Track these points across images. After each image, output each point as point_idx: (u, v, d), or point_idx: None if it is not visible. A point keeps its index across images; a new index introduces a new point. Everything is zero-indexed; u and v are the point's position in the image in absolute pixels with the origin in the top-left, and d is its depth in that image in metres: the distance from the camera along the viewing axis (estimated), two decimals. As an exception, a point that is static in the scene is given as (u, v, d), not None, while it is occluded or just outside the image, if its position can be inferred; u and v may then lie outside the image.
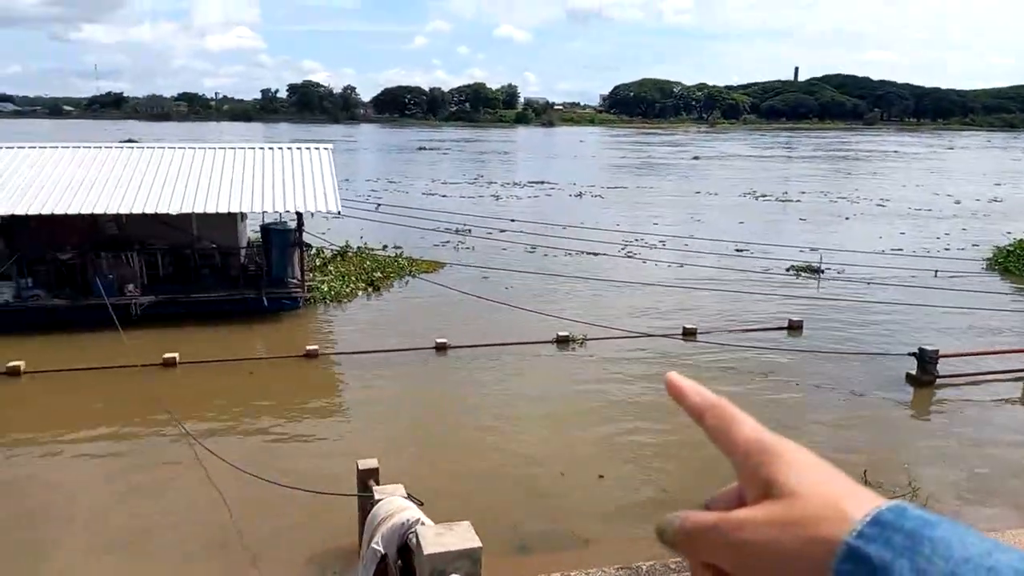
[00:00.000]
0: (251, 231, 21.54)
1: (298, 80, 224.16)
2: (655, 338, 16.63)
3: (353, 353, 15.43)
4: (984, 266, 24.61)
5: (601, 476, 10.31)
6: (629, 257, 24.82)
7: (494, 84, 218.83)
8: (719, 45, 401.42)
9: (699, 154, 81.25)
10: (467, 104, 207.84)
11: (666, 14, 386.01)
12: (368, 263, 22.69)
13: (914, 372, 13.99)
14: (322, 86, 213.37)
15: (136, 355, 14.19)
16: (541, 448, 11.33)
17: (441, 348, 15.68)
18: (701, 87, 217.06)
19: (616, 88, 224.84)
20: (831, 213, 36.63)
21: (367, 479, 8.25)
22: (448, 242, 26.73)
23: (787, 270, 23.32)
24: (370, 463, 8.43)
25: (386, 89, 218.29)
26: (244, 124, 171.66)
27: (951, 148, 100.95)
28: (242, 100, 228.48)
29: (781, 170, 62.76)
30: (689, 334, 16.83)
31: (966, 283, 21.94)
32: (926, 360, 13.84)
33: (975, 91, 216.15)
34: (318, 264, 21.87)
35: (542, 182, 50.19)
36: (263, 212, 18.03)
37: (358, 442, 11.32)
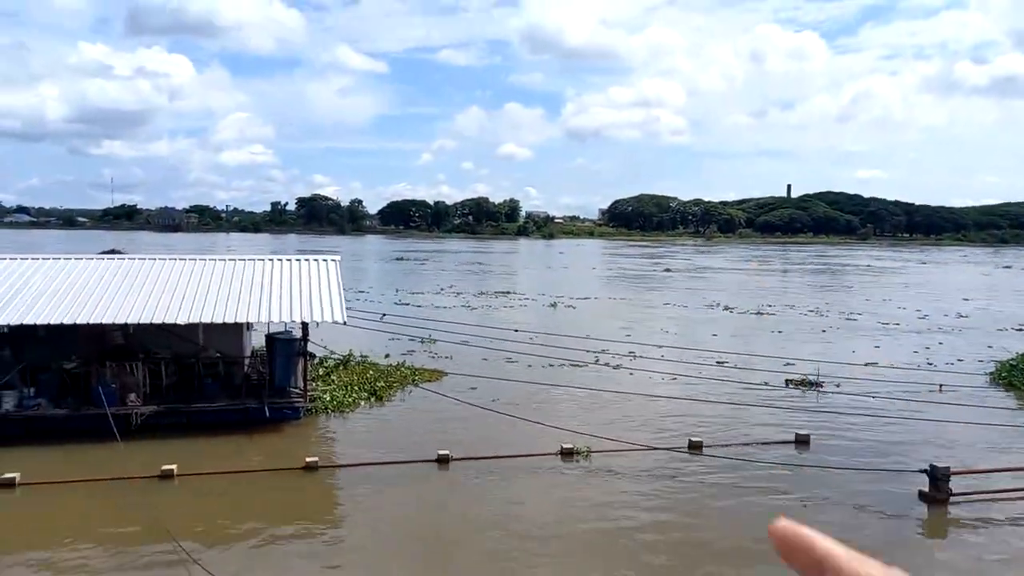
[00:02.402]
0: (255, 340, 21.67)
1: (307, 193, 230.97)
2: (661, 451, 16.39)
3: (353, 465, 15.18)
4: (987, 380, 24.52)
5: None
6: (615, 368, 24.90)
7: (497, 198, 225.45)
8: (714, 162, 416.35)
9: (672, 267, 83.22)
10: (470, 217, 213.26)
11: (663, 135, 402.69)
12: (371, 372, 22.68)
13: (926, 489, 13.70)
14: (330, 199, 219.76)
15: (135, 466, 13.97)
16: (541, 568, 10.96)
17: (443, 460, 15.43)
18: (697, 202, 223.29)
19: (615, 203, 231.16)
20: (804, 326, 36.85)
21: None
22: (414, 351, 26.85)
23: (786, 383, 23.24)
24: (371, 582, 8.19)
25: (392, 202, 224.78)
26: (252, 235, 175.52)
27: (924, 263, 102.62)
28: (252, 212, 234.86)
29: (755, 283, 63.64)
30: (695, 447, 16.60)
31: (970, 397, 21.82)
32: (938, 477, 13.58)
33: (965, 208, 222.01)
34: (320, 373, 21.85)
35: (510, 292, 51.37)
36: (269, 322, 18.21)
37: (357, 560, 10.96)
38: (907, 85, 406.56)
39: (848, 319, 39.80)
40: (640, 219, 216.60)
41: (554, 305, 44.34)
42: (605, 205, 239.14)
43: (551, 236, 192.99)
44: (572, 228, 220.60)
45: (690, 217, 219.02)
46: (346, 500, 13.93)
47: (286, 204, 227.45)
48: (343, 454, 16.13)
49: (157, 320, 16.91)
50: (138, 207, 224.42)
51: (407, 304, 42.07)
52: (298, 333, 18.69)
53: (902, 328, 36.62)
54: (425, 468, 15.18)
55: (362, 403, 20.07)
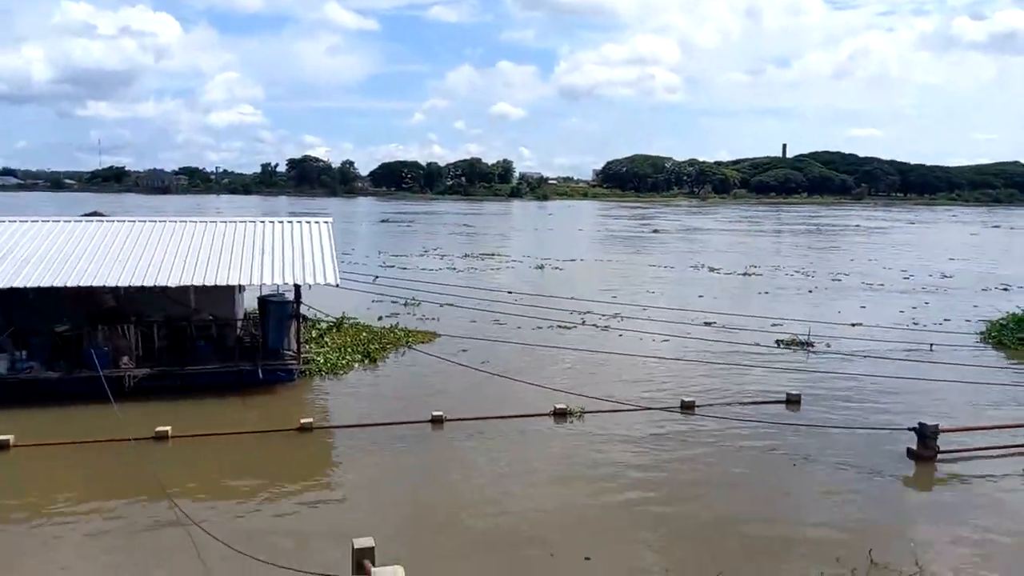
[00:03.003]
0: (248, 303, 21.61)
1: (298, 154, 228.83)
2: (654, 411, 16.52)
3: (348, 426, 15.25)
4: (978, 339, 24.71)
5: (588, 558, 10.05)
6: (604, 330, 25.05)
7: (490, 159, 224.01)
8: (709, 121, 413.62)
9: (661, 228, 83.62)
10: (463, 178, 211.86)
11: (657, 93, 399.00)
12: (364, 334, 22.69)
13: (915, 447, 13.87)
14: (321, 160, 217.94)
15: (129, 428, 14.00)
16: (535, 528, 11.08)
17: (437, 421, 15.53)
18: (692, 162, 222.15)
19: (609, 163, 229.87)
20: (790, 287, 36.97)
21: (363, 559, 8.06)
22: (398, 313, 26.92)
23: (776, 343, 23.39)
24: (366, 542, 8.25)
25: (384, 163, 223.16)
26: (243, 197, 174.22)
27: (912, 223, 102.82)
28: (242, 174, 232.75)
29: (743, 244, 63.76)
30: (687, 407, 16.73)
31: (960, 356, 22.01)
32: (926, 435, 13.74)
33: (960, 167, 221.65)
34: (314, 336, 21.85)
35: (495, 254, 51.37)
36: (261, 284, 18.12)
37: (353, 520, 11.07)
38: (904, 41, 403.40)
39: (834, 279, 39.98)
40: (634, 180, 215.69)
41: (541, 267, 44.41)
42: (599, 166, 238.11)
43: (545, 197, 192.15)
44: (566, 189, 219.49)
45: (685, 178, 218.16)
46: (342, 461, 14.02)
47: (276, 166, 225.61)
48: (338, 415, 16.19)
49: (148, 282, 16.79)
50: (126, 169, 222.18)
51: (391, 267, 41.94)
52: (291, 295, 18.61)
53: (887, 288, 36.81)
54: (420, 429, 15.27)
55: (356, 365, 20.11)
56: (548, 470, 13.41)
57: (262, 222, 20.26)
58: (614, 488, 12.56)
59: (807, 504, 12.14)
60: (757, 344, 23.05)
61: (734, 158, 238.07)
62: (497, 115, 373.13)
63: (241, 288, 19.76)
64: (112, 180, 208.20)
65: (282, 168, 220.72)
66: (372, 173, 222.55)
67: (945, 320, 27.94)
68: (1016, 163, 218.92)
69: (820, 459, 13.92)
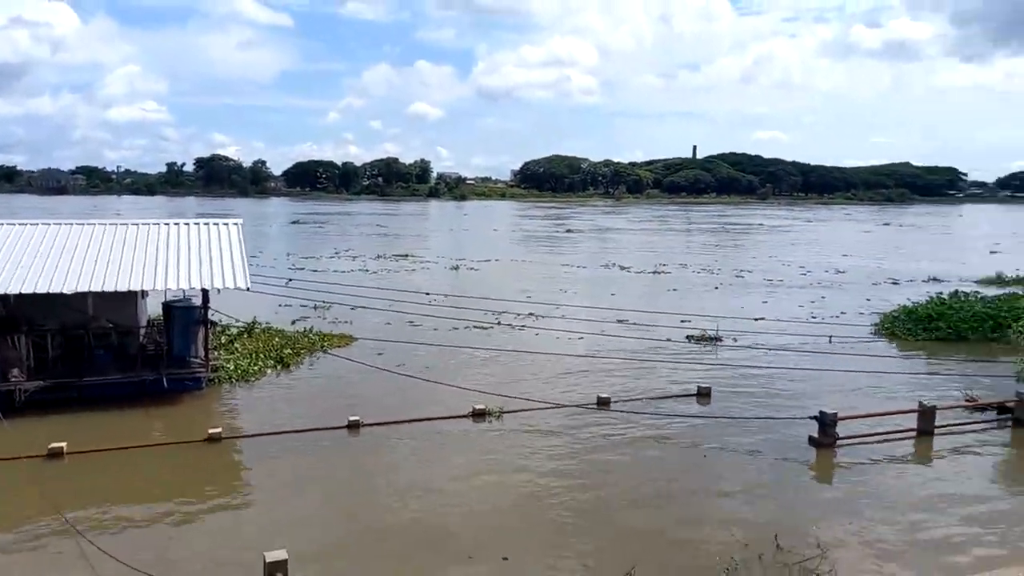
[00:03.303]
0: (152, 309, 20.67)
1: (206, 153, 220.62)
2: (571, 408, 16.73)
3: (260, 435, 14.79)
4: (872, 331, 26.15)
5: (505, 559, 10.09)
6: (520, 329, 25.30)
7: (408, 159, 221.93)
8: (624, 123, 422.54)
9: (575, 227, 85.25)
10: (380, 178, 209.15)
11: (574, 94, 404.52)
12: (277, 339, 22.07)
13: (816, 435, 14.54)
14: (231, 159, 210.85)
15: (19, 446, 13.15)
16: (455, 530, 11.05)
17: (354, 426, 15.26)
18: (607, 163, 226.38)
19: (526, 164, 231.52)
20: (697, 284, 38.30)
21: (275, 573, 7.83)
22: (307, 317, 26.45)
23: (687, 338, 24.12)
24: (278, 555, 8.03)
25: (298, 163, 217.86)
26: (147, 198, 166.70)
27: (810, 221, 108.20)
28: (146, 173, 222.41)
29: (652, 243, 65.57)
30: (603, 403, 17.02)
31: (858, 348, 23.25)
32: (826, 423, 14.44)
33: (856, 168, 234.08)
34: (223, 342, 21.10)
35: (409, 255, 51.09)
36: (166, 289, 17.35)
37: (266, 533, 10.74)
38: (806, 48, 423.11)
39: (738, 276, 41.57)
40: (552, 180, 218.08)
41: (456, 268, 44.36)
42: (517, 166, 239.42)
43: (463, 197, 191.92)
44: (484, 189, 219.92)
45: (600, 178, 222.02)
46: (253, 472, 13.56)
47: (183, 165, 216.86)
48: (249, 424, 15.68)
49: (41, 289, 15.81)
50: (18, 168, 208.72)
51: (301, 269, 40.83)
52: (198, 300, 17.90)
53: (786, 284, 38.54)
54: (336, 435, 14.97)
55: (268, 371, 19.54)
56: (467, 471, 13.37)
57: (167, 224, 19.40)
58: (532, 486, 12.65)
59: (717, 493, 12.55)
60: (669, 340, 23.70)
61: (648, 159, 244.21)
62: (415, 115, 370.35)
63: (144, 294, 18.87)
64: (2, 180, 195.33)
65: (189, 167, 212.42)
66: (286, 173, 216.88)
67: (841, 313, 29.44)
68: (907, 164, 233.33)
69: (729, 449, 14.42)
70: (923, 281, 39.21)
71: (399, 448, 14.41)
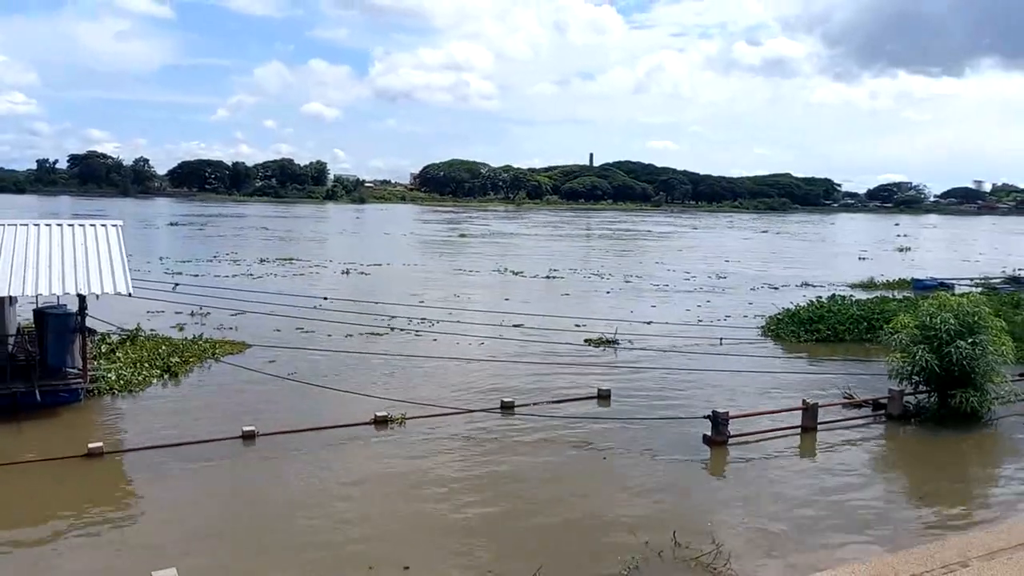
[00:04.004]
0: (23, 316, 19.14)
1: (81, 150, 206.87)
2: (475, 413, 16.69)
3: (146, 448, 13.93)
4: (759, 333, 27.51)
5: (407, 568, 9.93)
6: (417, 335, 25.13)
7: (303, 160, 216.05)
8: (523, 129, 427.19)
9: (469, 232, 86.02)
10: (274, 179, 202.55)
11: (473, 99, 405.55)
12: (163, 347, 20.92)
13: (709, 434, 15.12)
14: (109, 157, 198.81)
15: None
16: (355, 540, 10.78)
17: (248, 437, 14.63)
18: (507, 168, 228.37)
19: (426, 167, 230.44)
20: (589, 289, 39.24)
21: (164, 593, 7.37)
22: (184, 324, 25.31)
23: (585, 342, 24.60)
24: (167, 575, 7.56)
25: (184, 162, 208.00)
26: (15, 196, 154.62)
27: (695, 228, 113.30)
28: (14, 171, 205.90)
29: (545, 248, 66.69)
30: (507, 408, 17.07)
31: (746, 349, 24.38)
32: (719, 422, 15.04)
33: (742, 178, 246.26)
34: (103, 350, 19.79)
35: (294, 259, 49.97)
36: (37, 295, 16.09)
37: (154, 552, 10.11)
38: (693, 62, 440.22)
39: (627, 281, 42.78)
40: (452, 184, 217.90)
41: (347, 272, 43.57)
42: (417, 169, 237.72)
43: (362, 200, 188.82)
44: (383, 193, 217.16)
45: (500, 183, 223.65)
46: (139, 487, 12.75)
47: (56, 162, 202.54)
48: (134, 437, 14.74)
49: None
50: None
51: (178, 273, 38.59)
52: (74, 307, 16.71)
53: (673, 289, 39.93)
54: (229, 446, 14.30)
55: (154, 381, 18.47)
56: (368, 480, 13.08)
57: (37, 225, 17.99)
58: (435, 493, 12.51)
59: (617, 493, 12.81)
60: (568, 344, 24.08)
61: (546, 165, 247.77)
62: (310, 115, 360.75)
63: (12, 300, 17.44)
64: None
65: (63, 165, 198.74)
66: (171, 172, 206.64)
67: (726, 317, 30.78)
68: (787, 175, 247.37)
69: (628, 449, 14.77)
70: (797, 286, 41.52)
71: (297, 458, 13.93)
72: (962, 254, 72.42)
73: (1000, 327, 17.14)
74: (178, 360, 19.87)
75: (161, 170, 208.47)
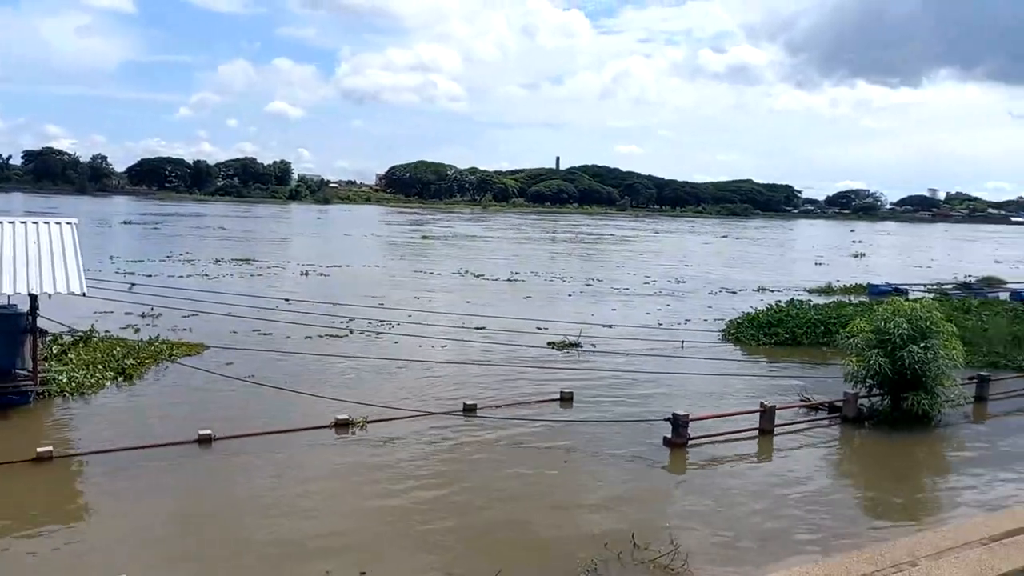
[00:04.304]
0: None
1: (36, 146, 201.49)
2: (437, 416, 16.62)
3: (99, 452, 13.59)
4: (720, 337, 27.88)
5: (363, 573, 9.82)
6: (378, 337, 24.95)
7: (266, 159, 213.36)
8: (491, 131, 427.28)
9: (431, 234, 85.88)
10: (236, 178, 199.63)
11: (440, 100, 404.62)
12: (118, 349, 20.45)
13: (670, 436, 15.27)
14: (66, 154, 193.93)
15: None
16: (312, 545, 10.64)
17: (205, 441, 14.37)
18: (473, 171, 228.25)
19: (392, 168, 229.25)
20: (551, 292, 39.32)
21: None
22: (134, 325, 24.70)
23: (548, 344, 24.68)
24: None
25: (143, 159, 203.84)
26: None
27: (657, 233, 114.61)
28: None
29: (508, 251, 66.78)
30: (469, 410, 17.04)
31: (707, 352, 24.69)
32: (679, 424, 15.20)
33: (705, 183, 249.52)
34: (55, 352, 19.28)
35: (251, 259, 49.35)
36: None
37: (105, 559, 9.88)
38: (659, 68, 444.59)
39: (588, 284, 42.95)
40: (418, 186, 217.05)
41: (306, 273, 43.07)
42: (383, 170, 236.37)
43: (326, 201, 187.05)
44: (349, 193, 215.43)
45: (467, 185, 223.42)
46: (91, 492, 12.45)
47: (9, 158, 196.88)
48: (86, 441, 14.37)
49: None
50: None
51: (130, 273, 37.52)
52: (24, 306, 16.25)
53: (633, 292, 40.21)
54: (185, 450, 14.03)
55: (108, 383, 18.04)
56: (328, 484, 12.95)
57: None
58: (396, 496, 12.44)
59: (578, 495, 12.87)
60: (531, 346, 24.13)
61: (513, 168, 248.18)
62: (274, 114, 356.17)
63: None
64: None
65: (17, 161, 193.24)
66: (130, 170, 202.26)
67: (686, 320, 31.09)
68: (749, 181, 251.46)
69: (589, 452, 14.85)
70: (754, 290, 42.19)
71: (255, 462, 13.72)
72: (915, 260, 74.33)
73: (951, 332, 17.59)
74: (133, 362, 19.44)
75: (120, 168, 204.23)
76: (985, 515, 11.86)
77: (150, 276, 36.72)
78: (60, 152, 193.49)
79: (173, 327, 24.30)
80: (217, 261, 47.54)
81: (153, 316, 25.90)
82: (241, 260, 48.76)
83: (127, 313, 25.80)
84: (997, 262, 72.94)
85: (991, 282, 47.42)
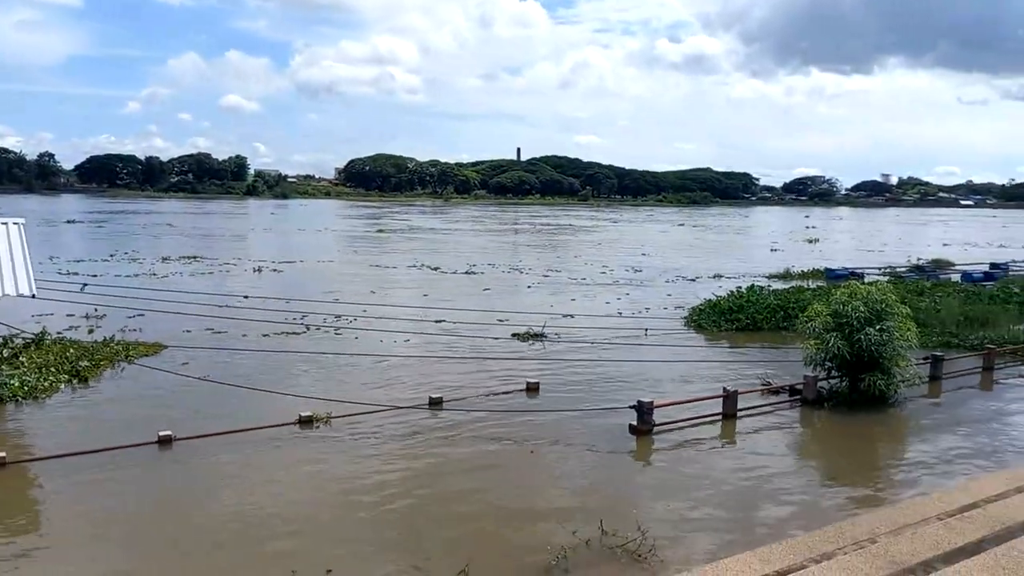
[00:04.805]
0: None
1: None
2: (403, 410, 16.52)
3: (53, 457, 13.22)
4: (682, 324, 28.18)
5: (329, 571, 9.71)
6: (337, 332, 24.72)
7: (221, 154, 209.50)
8: (450, 123, 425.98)
9: (388, 228, 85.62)
10: (191, 174, 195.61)
11: (398, 92, 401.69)
12: (72, 351, 19.91)
13: (635, 423, 15.40)
14: (11, 152, 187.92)
15: None
16: (277, 544, 10.50)
17: (165, 442, 14.07)
18: (434, 163, 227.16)
19: (351, 162, 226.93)
20: (509, 284, 39.33)
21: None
22: (77, 327, 24.08)
23: (512, 335, 24.68)
24: (76, 589, 7.19)
25: (93, 157, 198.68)
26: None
27: (615, 222, 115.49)
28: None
29: (466, 244, 66.75)
30: (435, 403, 16.96)
31: (671, 339, 24.96)
32: (644, 411, 15.33)
33: (665, 172, 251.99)
34: (5, 356, 18.68)
35: (200, 257, 48.59)
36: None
37: (63, 569, 9.60)
38: (617, 58, 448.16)
39: (545, 276, 43.00)
40: (378, 179, 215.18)
41: (258, 270, 42.45)
42: (342, 164, 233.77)
43: (284, 196, 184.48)
44: (307, 188, 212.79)
45: (428, 178, 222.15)
46: (46, 498, 12.10)
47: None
48: (40, 445, 13.98)
49: None
50: None
51: (74, 273, 36.64)
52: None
53: (591, 283, 40.30)
54: (145, 452, 13.72)
55: (63, 386, 17.56)
56: (291, 481, 12.78)
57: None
58: (362, 491, 12.33)
59: (546, 485, 12.91)
60: (495, 338, 24.12)
61: (474, 160, 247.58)
62: (228, 108, 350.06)
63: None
64: None
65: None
66: (79, 167, 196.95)
67: (646, 309, 31.28)
68: (708, 169, 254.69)
69: (556, 441, 14.90)
70: (709, 278, 42.73)
71: (217, 462, 13.48)
72: (867, 245, 76.06)
73: (906, 314, 18.04)
74: (88, 364, 18.95)
75: (69, 165, 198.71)
76: (941, 491, 12.19)
77: (95, 276, 35.68)
78: (5, 151, 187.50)
79: (122, 328, 23.64)
80: (164, 259, 46.57)
81: (98, 317, 25.23)
82: (189, 258, 47.81)
83: (68, 315, 25.05)
84: (945, 245, 75.07)
85: (940, 264, 48.80)
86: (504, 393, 18.07)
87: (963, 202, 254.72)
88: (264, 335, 23.56)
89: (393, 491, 12.38)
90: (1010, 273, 44.35)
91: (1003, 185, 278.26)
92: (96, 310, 25.34)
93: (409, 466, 13.52)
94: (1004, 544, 9.22)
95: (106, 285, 28.98)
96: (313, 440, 14.77)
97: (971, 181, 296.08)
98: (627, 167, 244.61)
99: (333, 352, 21.64)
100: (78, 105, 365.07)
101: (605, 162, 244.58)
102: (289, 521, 11.25)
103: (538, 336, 24.67)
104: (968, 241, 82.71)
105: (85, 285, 26.09)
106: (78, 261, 43.84)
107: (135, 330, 23.59)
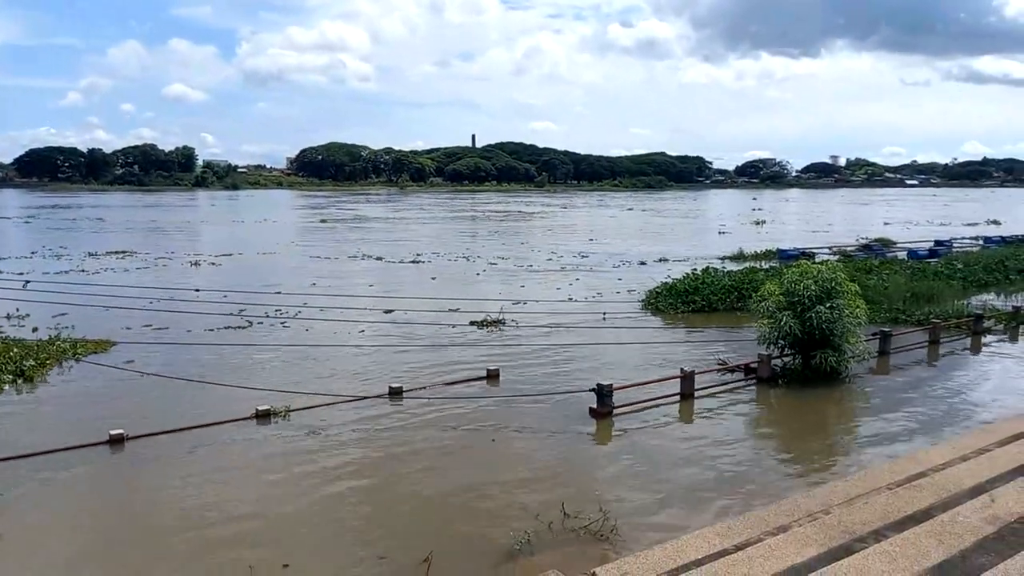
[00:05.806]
0: None
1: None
2: (363, 401, 16.37)
3: (-2, 461, 12.77)
4: (640, 307, 28.47)
5: (286, 565, 9.62)
6: (285, 325, 24.34)
7: (167, 145, 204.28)
8: (404, 111, 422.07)
9: (331, 217, 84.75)
10: (136, 166, 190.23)
11: (349, 80, 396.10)
12: (15, 350, 19.23)
13: (595, 406, 15.52)
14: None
15: None
16: (234, 541, 10.32)
17: (117, 441, 13.70)
18: (388, 151, 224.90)
19: (303, 151, 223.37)
20: (457, 272, 39.08)
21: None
22: (1, 328, 23.25)
23: (471, 323, 24.62)
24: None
25: (31, 149, 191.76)
26: None
27: (565, 208, 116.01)
28: None
29: (412, 232, 66.25)
30: (395, 393, 16.85)
31: (628, 323, 25.20)
32: (603, 394, 15.46)
33: (620, 157, 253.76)
34: (-56, 357, 17.97)
35: (131, 252, 47.42)
36: None
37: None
38: (570, 44, 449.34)
39: (491, 264, 42.81)
40: (331, 168, 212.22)
41: (195, 264, 41.61)
42: (293, 154, 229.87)
43: (235, 187, 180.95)
44: (259, 178, 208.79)
45: (382, 166, 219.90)
46: (-10, 503, 11.68)
47: None
48: (-18, 450, 13.47)
49: None
50: None
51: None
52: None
53: (538, 269, 40.25)
54: (94, 453, 13.34)
55: (6, 387, 16.97)
56: (250, 476, 12.57)
57: None
58: (322, 485, 12.19)
59: (508, 470, 12.93)
60: (453, 326, 24.03)
61: (429, 147, 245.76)
62: (173, 97, 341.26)
63: None
64: None
65: None
66: (17, 161, 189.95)
67: (597, 294, 31.39)
68: (663, 154, 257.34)
69: (518, 427, 14.94)
70: (656, 261, 43.14)
71: (171, 460, 13.18)
72: (813, 225, 77.74)
73: (855, 291, 18.49)
74: (33, 363, 18.33)
75: (7, 159, 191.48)
76: (891, 462, 12.55)
77: (20, 274, 34.49)
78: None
79: (55, 326, 22.87)
80: (91, 255, 45.30)
81: (20, 316, 24.42)
82: (120, 253, 46.57)
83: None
84: (886, 223, 77.33)
85: (883, 243, 50.25)
86: (464, 381, 18.03)
87: (908, 182, 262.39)
88: (209, 330, 23.06)
89: (354, 482, 12.28)
90: (954, 250, 45.89)
91: (946, 164, 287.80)
92: (17, 309, 24.46)
93: (369, 457, 13.41)
94: (950, 511, 9.55)
95: (43, 281, 27.96)
96: (271, 434, 14.54)
97: (916, 161, 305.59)
98: (583, 152, 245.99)
99: (288, 344, 21.32)
100: (14, 96, 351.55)
101: (561, 148, 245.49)
102: (246, 517, 11.07)
103: (496, 323, 24.65)
104: (909, 220, 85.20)
105: (27, 283, 25.23)
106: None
107: (66, 328, 22.71)
